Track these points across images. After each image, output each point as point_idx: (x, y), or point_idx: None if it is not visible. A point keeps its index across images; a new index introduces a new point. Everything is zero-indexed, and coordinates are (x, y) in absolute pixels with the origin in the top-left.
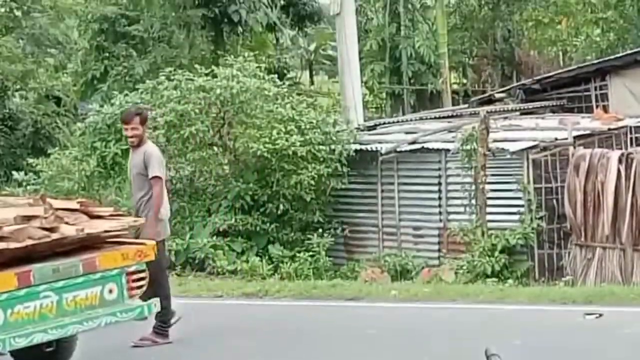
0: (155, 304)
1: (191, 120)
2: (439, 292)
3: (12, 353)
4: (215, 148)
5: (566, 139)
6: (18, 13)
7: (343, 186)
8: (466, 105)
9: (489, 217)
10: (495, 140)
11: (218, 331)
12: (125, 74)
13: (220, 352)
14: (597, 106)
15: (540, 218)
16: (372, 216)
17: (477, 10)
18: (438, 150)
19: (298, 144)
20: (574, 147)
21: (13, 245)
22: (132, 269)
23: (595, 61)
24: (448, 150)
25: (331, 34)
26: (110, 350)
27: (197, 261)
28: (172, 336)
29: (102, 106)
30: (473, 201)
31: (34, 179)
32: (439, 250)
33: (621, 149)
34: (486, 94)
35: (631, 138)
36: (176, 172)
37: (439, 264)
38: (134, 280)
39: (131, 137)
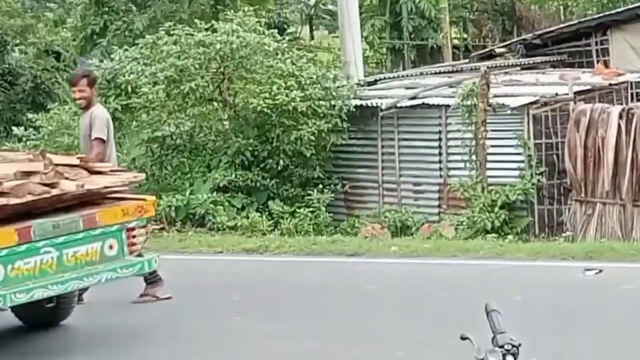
0: (156, 259)
1: (191, 76)
2: (439, 248)
3: (13, 309)
4: (215, 103)
5: (567, 94)
6: None
7: (343, 142)
8: (467, 61)
9: (489, 172)
10: (495, 96)
11: (218, 287)
12: (125, 29)
13: (220, 308)
14: (597, 61)
15: (541, 174)
16: (372, 172)
17: None
18: (438, 106)
19: (298, 99)
20: (575, 103)
21: (13, 201)
22: (133, 224)
23: (596, 16)
24: (448, 105)
25: None
26: (111, 306)
27: (197, 217)
28: (172, 292)
29: (101, 61)
30: (473, 157)
31: (34, 135)
32: (439, 206)
33: (622, 104)
34: (487, 49)
35: (632, 93)
36: (176, 127)
37: (439, 220)
38: (134, 236)
39: (78, 99)
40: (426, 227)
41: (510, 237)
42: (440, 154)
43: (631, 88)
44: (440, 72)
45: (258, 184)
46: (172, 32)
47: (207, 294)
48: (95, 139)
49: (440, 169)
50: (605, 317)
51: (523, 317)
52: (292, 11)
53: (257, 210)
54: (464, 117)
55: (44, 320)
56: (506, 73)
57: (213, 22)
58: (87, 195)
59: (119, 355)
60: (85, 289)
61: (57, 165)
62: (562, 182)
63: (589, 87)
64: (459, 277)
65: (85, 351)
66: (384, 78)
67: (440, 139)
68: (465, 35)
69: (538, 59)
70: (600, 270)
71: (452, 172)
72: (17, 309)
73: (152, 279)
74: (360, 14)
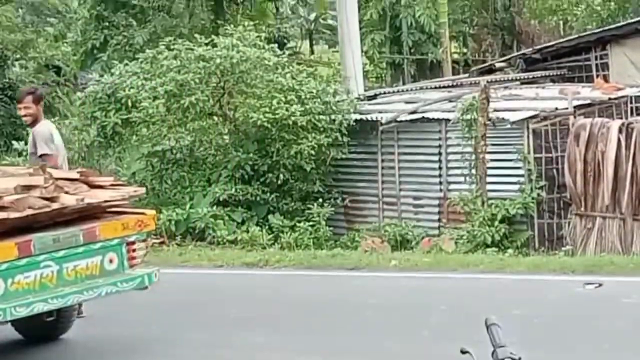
0: (156, 273)
1: (191, 90)
2: (439, 262)
3: (13, 323)
4: (215, 118)
5: (566, 108)
6: None
7: (343, 156)
8: (466, 75)
9: (489, 186)
10: (495, 110)
11: (218, 301)
12: (125, 44)
13: (219, 322)
14: (597, 76)
15: (541, 188)
16: (372, 186)
17: None
18: (438, 120)
19: (298, 113)
20: (574, 117)
21: (13, 215)
22: (133, 238)
23: (596, 30)
24: (448, 120)
25: (331, 2)
26: (111, 320)
27: (197, 231)
28: (172, 306)
29: (102, 76)
30: (473, 171)
31: None
32: (439, 220)
33: (621, 118)
34: (486, 64)
35: (632, 107)
36: (176, 141)
37: (439, 233)
38: (134, 250)
39: (24, 115)
40: (426, 241)
41: (510, 251)
42: (440, 168)
43: (631, 102)
44: (440, 87)
45: (258, 198)
46: (172, 47)
47: (206, 307)
48: (41, 155)
49: (440, 182)
50: (605, 331)
51: (523, 331)
52: (292, 26)
53: (257, 224)
54: (463, 132)
55: (44, 334)
56: (506, 87)
57: (213, 36)
58: (87, 209)
59: None
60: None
61: (57, 179)
62: (562, 196)
63: (588, 101)
64: (459, 291)
65: None
66: (384, 92)
67: (440, 153)
68: (465, 50)
69: (538, 74)
70: (600, 284)
71: (452, 186)
72: (17, 323)
73: None
74: (360, 28)
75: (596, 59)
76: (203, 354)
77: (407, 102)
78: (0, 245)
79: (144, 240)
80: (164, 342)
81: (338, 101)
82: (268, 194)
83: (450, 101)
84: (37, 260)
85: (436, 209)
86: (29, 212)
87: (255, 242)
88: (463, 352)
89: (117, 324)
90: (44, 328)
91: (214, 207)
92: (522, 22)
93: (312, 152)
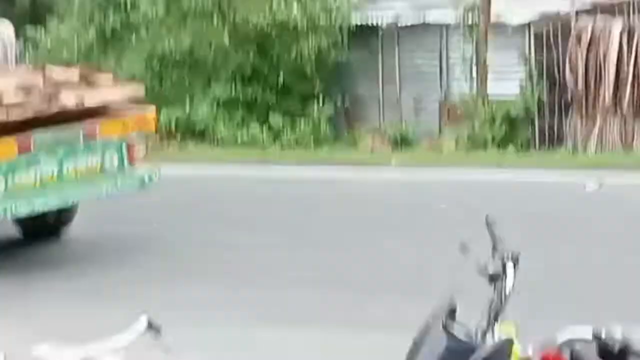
0: (156, 172)
1: None
2: (439, 161)
3: (15, 221)
4: (214, 19)
5: (569, 13)
6: None
7: (344, 58)
8: None
9: (490, 88)
10: (497, 13)
11: (218, 200)
12: None
13: (220, 221)
14: None
15: (542, 89)
16: (373, 88)
17: None
18: (439, 25)
19: (298, 15)
20: (576, 19)
21: (13, 115)
22: (133, 137)
23: None
24: (450, 23)
25: None
26: (111, 218)
27: (197, 131)
28: (172, 204)
29: None
30: (474, 73)
31: (34, 49)
32: (440, 121)
33: (624, 21)
34: None
35: (634, 9)
36: (175, 43)
37: (440, 134)
38: (134, 149)
39: None
40: (427, 141)
41: (510, 150)
42: (441, 70)
43: (633, 5)
44: None
45: (258, 99)
46: None
47: (206, 207)
48: None
49: (441, 85)
50: (600, 230)
51: (522, 228)
52: None
53: (257, 123)
54: (465, 34)
55: (46, 232)
56: None
57: None
58: (87, 109)
59: (117, 265)
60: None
61: (56, 79)
62: (563, 97)
63: (590, 4)
64: (459, 189)
65: (85, 262)
66: None
67: (441, 56)
68: None
69: None
70: (601, 184)
71: (452, 88)
72: (18, 221)
73: None
74: None
75: None
76: (202, 253)
77: (408, 5)
78: (0, 145)
79: (144, 140)
80: (163, 240)
81: (338, 4)
82: (268, 94)
83: (452, 4)
84: (38, 159)
85: (437, 111)
86: (29, 112)
87: (256, 142)
88: (463, 247)
89: (117, 222)
90: (45, 226)
91: (214, 108)
92: None
93: (313, 54)
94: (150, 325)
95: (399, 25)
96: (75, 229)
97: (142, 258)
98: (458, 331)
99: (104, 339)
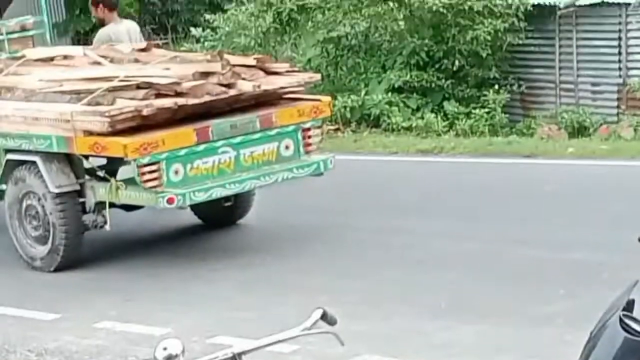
0: (331, 159)
1: None
2: (617, 150)
3: (192, 208)
4: (390, 3)
5: None
6: None
7: (520, 42)
8: None
9: None
10: None
11: (392, 188)
12: None
13: (393, 208)
14: None
15: None
16: (549, 72)
17: None
18: (619, 4)
19: None
20: None
21: (191, 101)
22: (308, 125)
23: None
24: (629, 4)
25: None
26: (286, 206)
27: (372, 118)
28: (346, 191)
29: None
30: None
31: (211, 35)
32: (618, 107)
33: None
34: None
35: None
36: (351, 27)
37: (618, 120)
38: (309, 137)
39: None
40: (604, 128)
41: None
42: (619, 53)
43: None
44: None
45: (433, 85)
46: None
47: (381, 194)
48: None
49: (620, 68)
50: None
51: None
52: None
53: (431, 111)
54: None
55: (222, 219)
56: None
57: None
58: (264, 96)
59: (294, 254)
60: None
61: (234, 65)
62: None
63: None
64: (637, 179)
65: (262, 251)
66: None
67: (620, 38)
68: None
69: None
70: None
71: (631, 72)
72: (196, 208)
73: None
74: None
75: None
76: (376, 240)
77: None
78: (179, 132)
79: (319, 127)
80: (336, 227)
81: None
82: (443, 81)
83: None
84: (215, 146)
85: (615, 95)
86: (207, 98)
87: (430, 129)
88: None
89: (292, 210)
90: (222, 213)
91: (389, 94)
92: None
93: (488, 37)
94: (326, 317)
95: (577, 4)
96: (252, 217)
97: (319, 247)
98: (636, 326)
99: (279, 330)
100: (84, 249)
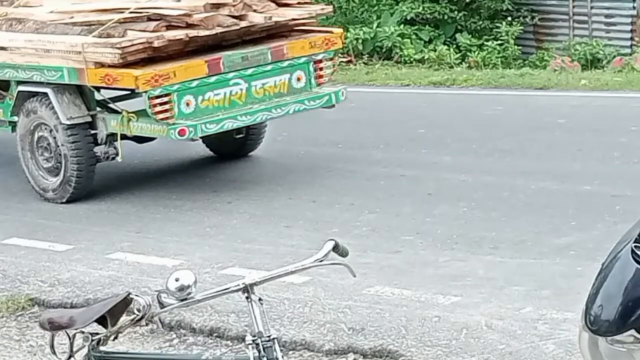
0: (343, 91)
1: None
2: (631, 82)
3: (204, 139)
4: None
5: None
6: None
7: None
8: None
9: None
10: None
11: (404, 120)
12: None
13: (405, 141)
14: None
15: None
16: (562, 4)
17: None
18: None
19: None
20: None
21: (203, 32)
22: (320, 57)
23: None
24: None
25: None
26: (299, 139)
27: (384, 50)
28: (358, 124)
29: None
30: None
31: None
32: (631, 39)
33: None
34: None
35: None
36: None
37: (631, 52)
38: (321, 69)
39: None
40: (617, 60)
41: None
42: None
43: None
44: None
45: (446, 17)
46: None
47: (392, 126)
48: None
49: (634, 0)
50: None
51: None
52: None
53: (444, 43)
54: None
55: (233, 151)
56: None
57: None
58: (275, 28)
59: (305, 186)
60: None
61: None
62: None
63: None
64: None
65: (271, 182)
66: None
67: None
68: None
69: None
70: None
71: None
72: (208, 140)
73: None
74: None
75: None
76: (387, 172)
77: None
78: (190, 63)
79: (331, 59)
80: (348, 160)
81: None
82: (456, 12)
83: None
84: (227, 77)
85: (628, 27)
86: (218, 30)
87: (442, 61)
88: None
89: (303, 141)
90: (234, 145)
91: (401, 26)
92: None
93: None
94: (338, 249)
95: None
96: (263, 149)
97: (330, 179)
98: None
99: (291, 261)
100: (95, 181)
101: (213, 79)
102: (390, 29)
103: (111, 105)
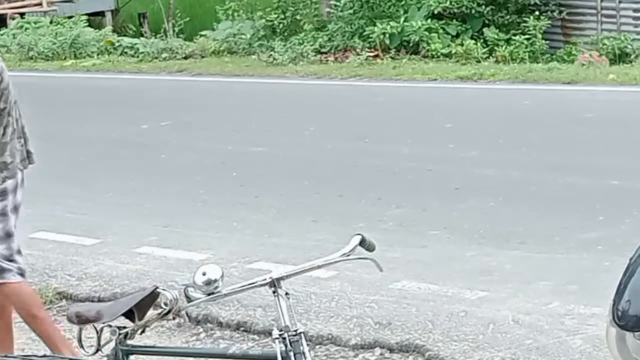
0: None
1: None
2: None
3: None
4: None
5: None
6: None
7: None
8: None
9: None
10: None
11: (432, 114)
12: None
13: (432, 135)
14: None
15: None
16: None
17: None
18: None
19: None
20: None
21: None
22: None
23: None
24: None
25: None
26: (325, 131)
27: (411, 44)
28: (387, 118)
29: None
30: None
31: None
32: None
33: None
34: None
35: None
36: None
37: None
38: None
39: None
40: None
41: None
42: None
43: None
44: None
45: (473, 11)
46: None
47: (419, 121)
48: None
49: None
50: None
51: None
52: None
53: (471, 38)
54: None
55: None
56: None
57: None
58: None
59: (329, 180)
60: None
61: None
62: None
63: None
64: None
65: (298, 176)
66: None
67: None
68: None
69: None
70: None
71: None
72: None
73: None
74: None
75: None
76: (412, 167)
77: None
78: None
79: None
80: (373, 154)
81: None
82: (483, 7)
83: None
84: None
85: None
86: None
87: (470, 56)
88: None
89: (330, 135)
90: None
91: (429, 20)
92: None
93: None
94: (365, 243)
95: None
96: (289, 143)
97: (357, 173)
98: None
99: (318, 256)
100: (122, 176)
101: None
102: (418, 24)
103: None
